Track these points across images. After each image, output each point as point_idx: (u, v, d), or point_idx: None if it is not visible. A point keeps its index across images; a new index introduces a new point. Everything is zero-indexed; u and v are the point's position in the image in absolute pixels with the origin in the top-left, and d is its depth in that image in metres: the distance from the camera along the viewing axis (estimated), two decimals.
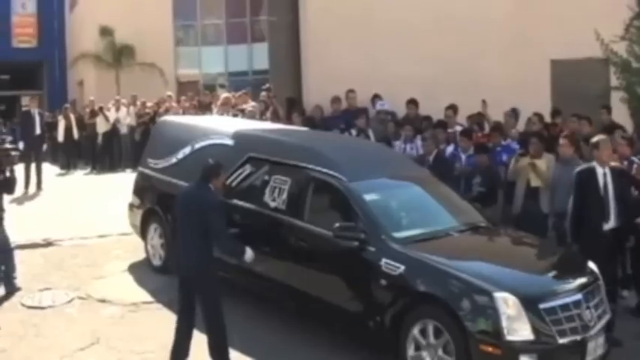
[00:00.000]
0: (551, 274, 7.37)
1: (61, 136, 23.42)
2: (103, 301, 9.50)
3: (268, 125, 11.48)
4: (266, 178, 8.81)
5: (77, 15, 35.09)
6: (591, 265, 7.54)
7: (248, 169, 9.14)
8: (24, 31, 39.95)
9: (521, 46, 14.77)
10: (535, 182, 10.19)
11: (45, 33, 39.84)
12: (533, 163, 10.17)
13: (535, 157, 10.24)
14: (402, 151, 12.22)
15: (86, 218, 13.53)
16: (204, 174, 7.29)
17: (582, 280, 7.08)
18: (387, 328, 6.94)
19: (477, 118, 13.09)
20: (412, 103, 13.68)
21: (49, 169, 22.30)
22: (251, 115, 14.10)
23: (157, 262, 10.53)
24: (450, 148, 11.79)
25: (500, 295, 6.29)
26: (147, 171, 11.17)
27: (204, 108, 17.21)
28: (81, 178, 21.27)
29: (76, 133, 23.11)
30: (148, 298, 9.44)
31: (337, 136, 11.29)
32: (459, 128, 12.51)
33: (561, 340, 6.37)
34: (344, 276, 7.52)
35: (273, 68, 15.98)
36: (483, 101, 13.52)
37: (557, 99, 14.80)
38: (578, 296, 6.73)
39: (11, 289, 9.81)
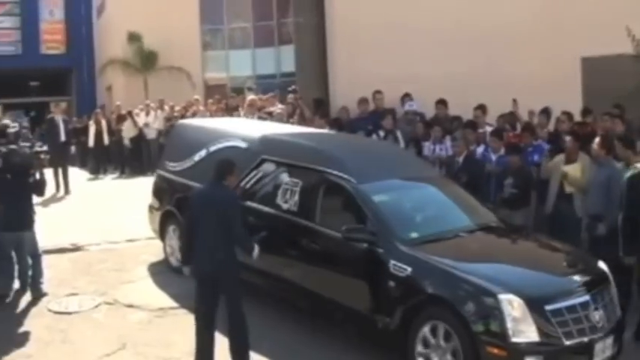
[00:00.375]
0: (559, 274, 7.30)
1: (91, 141, 23.49)
2: (130, 306, 9.47)
3: (283, 127, 11.49)
4: (278, 180, 8.96)
5: (105, 21, 35.27)
6: (602, 265, 7.49)
7: (261, 171, 9.26)
8: (52, 38, 40.28)
9: (551, 44, 14.55)
10: (569, 189, 9.96)
11: (73, 39, 40.13)
12: (565, 173, 9.91)
13: (570, 156, 10.01)
14: (431, 152, 12.07)
15: (114, 222, 13.53)
16: (219, 172, 7.38)
17: (591, 280, 7.04)
18: (396, 328, 6.98)
19: (509, 118, 12.90)
20: (441, 103, 13.52)
21: (79, 174, 22.44)
22: (279, 118, 14.01)
23: (175, 262, 10.56)
24: (480, 149, 11.60)
25: (505, 297, 6.31)
26: (165, 173, 11.40)
27: (231, 111, 17.13)
28: (110, 182, 21.29)
29: (106, 139, 23.16)
30: (175, 303, 9.38)
31: (349, 137, 11.22)
32: (488, 128, 12.32)
33: (567, 342, 6.37)
34: (354, 277, 7.55)
35: (299, 70, 15.88)
36: (514, 100, 13.34)
37: (588, 97, 14.55)
38: (586, 297, 6.71)
39: (37, 295, 9.84)
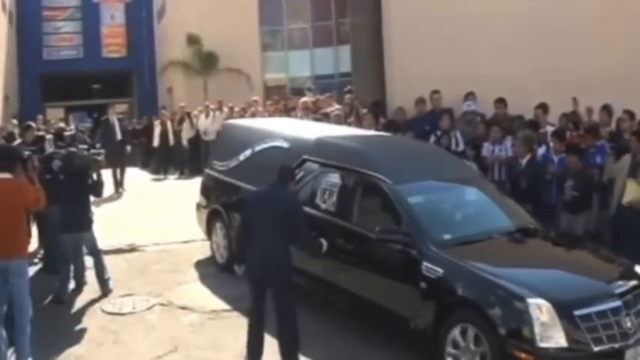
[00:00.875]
0: (592, 279, 7.07)
1: (156, 141, 23.66)
2: (183, 308, 9.43)
3: (327, 128, 11.52)
4: (318, 180, 9.02)
5: (165, 24, 35.66)
6: (639, 270, 7.30)
7: (302, 171, 9.22)
8: (114, 41, 41.02)
9: (613, 43, 14.09)
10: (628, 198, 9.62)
11: (134, 42, 40.79)
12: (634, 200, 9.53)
13: (636, 156, 9.65)
14: (490, 152, 11.78)
15: (171, 223, 13.48)
16: (283, 176, 7.53)
17: (625, 286, 6.86)
18: (427, 330, 6.99)
19: (572, 117, 12.53)
20: (500, 102, 13.20)
21: (140, 175, 22.68)
22: (337, 119, 13.88)
23: (221, 260, 10.85)
24: (541, 150, 11.22)
25: (533, 301, 6.24)
26: (212, 172, 11.59)
27: (290, 112, 17.08)
28: (170, 183, 21.43)
29: (171, 139, 23.30)
30: (229, 305, 9.29)
31: (389, 138, 10.94)
32: (550, 128, 11.96)
33: (597, 348, 6.24)
34: (389, 278, 7.61)
35: (355, 70, 15.68)
36: (574, 99, 12.97)
37: None
38: (618, 303, 6.54)
39: (106, 291, 10.01)
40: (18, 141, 12.84)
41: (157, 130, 23.66)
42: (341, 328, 8.37)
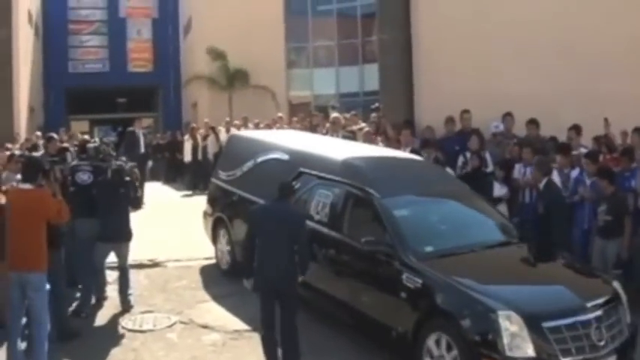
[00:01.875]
0: (564, 292, 7.26)
1: (187, 156, 23.51)
2: (205, 326, 9.27)
3: (323, 141, 11.95)
4: (313, 192, 9.43)
5: (191, 40, 35.72)
6: (615, 284, 7.60)
7: (299, 182, 9.56)
8: (140, 56, 41.19)
9: None
10: None
11: (160, 57, 40.93)
12: None
13: None
14: (521, 175, 11.48)
15: (194, 239, 13.25)
16: (284, 191, 7.84)
17: (598, 299, 7.09)
18: (406, 338, 7.29)
19: (605, 140, 12.23)
20: (532, 123, 12.85)
21: (164, 189, 22.65)
22: (367, 137, 13.67)
23: (224, 266, 11.46)
24: (574, 172, 10.92)
25: (503, 313, 6.54)
26: (217, 182, 12.11)
27: (314, 129, 16.90)
28: (196, 198, 21.21)
29: (200, 154, 23.14)
30: (251, 325, 9.06)
31: (382, 151, 11.19)
32: (583, 150, 11.67)
33: (564, 359, 6.50)
34: (373, 287, 7.99)
35: (383, 88, 15.47)
36: (605, 120, 12.67)
37: None
38: (589, 316, 6.81)
39: (126, 307, 9.92)
40: (40, 152, 12.75)
41: (188, 145, 23.52)
42: (343, 337, 8.55)
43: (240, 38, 27.86)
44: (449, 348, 6.80)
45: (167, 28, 41.26)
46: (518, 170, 11.57)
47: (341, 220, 8.74)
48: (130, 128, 21.24)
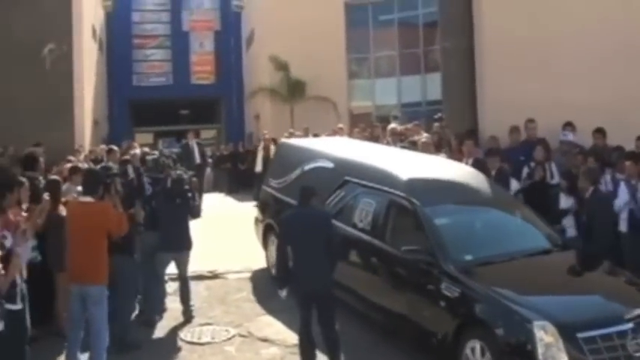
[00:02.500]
0: (602, 302, 7.40)
1: (259, 166, 23.56)
2: (264, 340, 9.20)
3: (368, 149, 12.06)
4: (356, 200, 9.71)
5: (253, 51, 35.87)
6: None
7: (344, 191, 10.04)
8: (202, 69, 41.62)
9: None
10: None
11: (222, 70, 41.32)
12: None
13: None
14: None
15: (254, 250, 13.18)
16: (307, 196, 8.09)
17: (636, 309, 7.01)
18: (445, 344, 7.47)
19: None
20: (599, 132, 12.49)
21: (226, 200, 22.70)
22: (426, 147, 13.47)
23: (275, 272, 11.18)
24: None
25: (538, 323, 6.63)
26: (268, 189, 12.47)
27: (376, 140, 16.73)
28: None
29: (261, 165, 23.17)
30: None
31: (427, 160, 11.17)
32: None
33: None
34: (414, 294, 8.13)
35: (446, 97, 15.22)
36: None
37: None
38: (625, 326, 6.78)
39: (188, 317, 10.00)
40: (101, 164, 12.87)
41: (260, 156, 23.58)
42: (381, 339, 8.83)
43: (301, 50, 27.85)
44: (486, 357, 6.95)
45: (229, 40, 41.58)
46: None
47: (383, 228, 8.94)
48: (184, 140, 21.91)
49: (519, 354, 6.69)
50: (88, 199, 7.81)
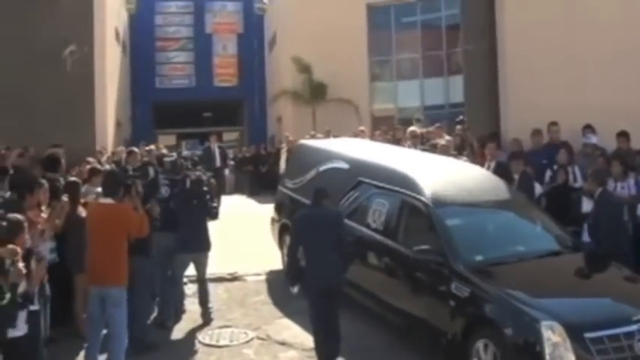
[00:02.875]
0: (610, 303, 7.54)
1: (282, 168, 23.60)
2: (282, 343, 9.15)
3: (383, 151, 12.24)
4: (370, 200, 9.87)
5: (276, 54, 35.90)
6: None
7: (358, 191, 10.22)
8: (225, 71, 41.70)
9: None
10: None
11: (245, 72, 41.37)
12: None
13: None
14: (612, 190, 11.02)
15: (275, 252, 13.16)
16: (318, 197, 8.41)
17: None
18: (455, 343, 7.59)
19: None
20: (623, 135, 12.33)
21: (248, 202, 22.70)
22: (444, 150, 13.39)
23: (286, 269, 10.95)
24: None
25: (546, 323, 6.72)
26: (284, 189, 12.63)
27: (398, 142, 16.65)
28: None
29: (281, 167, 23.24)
30: None
31: (441, 161, 11.25)
32: None
33: None
34: (425, 294, 8.28)
35: (468, 99, 15.11)
36: None
37: None
38: (632, 327, 6.85)
39: (207, 319, 10.00)
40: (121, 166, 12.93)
41: (284, 158, 23.57)
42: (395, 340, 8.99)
43: (323, 52, 27.84)
44: (494, 356, 7.05)
45: (252, 42, 41.63)
46: (609, 186, 11.09)
47: (396, 228, 9.12)
48: (207, 143, 22.80)
49: (527, 353, 6.79)
50: (109, 200, 7.80)
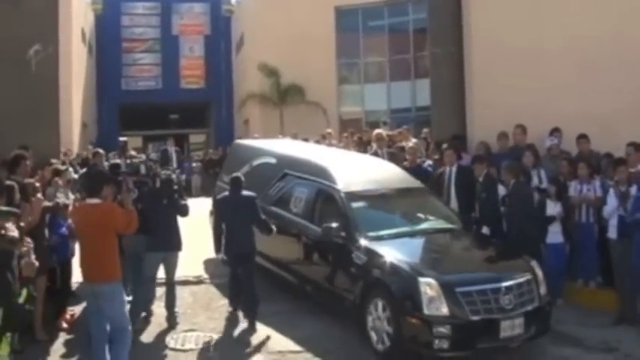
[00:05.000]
0: (481, 265, 9.30)
1: None
2: (248, 346, 9.08)
3: (306, 148, 14.31)
4: (293, 189, 11.49)
5: (243, 56, 35.88)
6: (533, 263, 9.16)
7: (283, 182, 11.80)
8: (192, 73, 41.59)
9: None
10: None
11: (212, 74, 41.28)
12: None
13: None
14: (577, 192, 11.10)
15: None
16: (235, 184, 10.39)
17: (511, 273, 8.70)
18: (356, 305, 9.07)
19: None
20: (583, 138, 12.37)
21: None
22: (412, 152, 13.48)
23: (213, 240, 12.03)
24: (633, 189, 10.47)
25: (423, 280, 8.24)
26: (221, 184, 13.49)
27: (365, 145, 16.69)
28: None
29: None
30: (297, 346, 8.95)
31: (353, 156, 13.77)
32: None
33: (473, 317, 8.12)
34: (333, 265, 9.96)
35: (434, 103, 15.14)
36: None
37: None
38: (499, 285, 8.35)
39: (173, 323, 9.96)
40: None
41: None
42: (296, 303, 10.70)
43: (291, 55, 27.87)
44: (384, 310, 8.54)
45: (219, 44, 41.56)
46: (574, 188, 11.19)
47: (312, 211, 10.70)
48: (163, 146, 24.11)
49: (409, 306, 8.22)
50: (94, 200, 7.75)
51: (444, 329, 8.00)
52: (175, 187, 10.60)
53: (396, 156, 13.92)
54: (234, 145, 15.95)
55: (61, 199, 10.31)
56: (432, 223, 10.47)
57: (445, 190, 12.07)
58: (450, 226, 10.41)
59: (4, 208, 7.18)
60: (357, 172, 11.26)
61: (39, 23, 13.48)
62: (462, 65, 14.40)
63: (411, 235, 9.93)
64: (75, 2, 28.53)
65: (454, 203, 11.82)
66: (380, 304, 8.59)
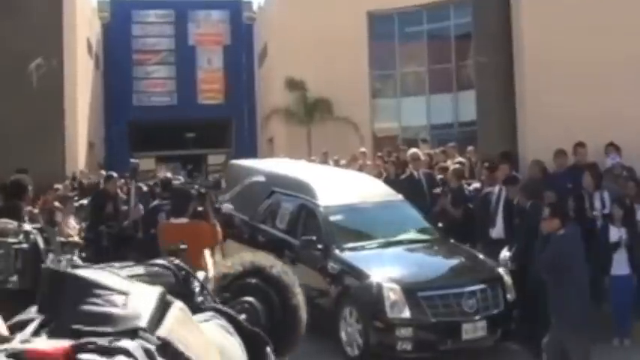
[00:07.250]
0: (446, 272, 10.81)
1: None
2: None
3: (294, 166, 15.51)
4: (280, 206, 12.73)
5: (267, 68, 35.92)
6: (500, 270, 10.17)
7: (271, 199, 13.03)
8: (210, 87, 41.54)
9: None
10: None
11: (233, 88, 41.12)
12: None
13: None
14: None
15: None
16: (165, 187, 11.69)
17: (475, 279, 9.96)
18: (330, 313, 10.04)
19: None
20: None
21: None
22: (456, 174, 13.32)
23: None
24: None
25: (387, 285, 9.50)
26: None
27: (403, 166, 16.52)
28: None
29: None
30: None
31: (335, 172, 15.49)
32: None
33: (434, 320, 9.33)
34: (312, 276, 10.54)
35: (480, 117, 14.99)
36: None
37: None
38: (461, 290, 9.62)
39: None
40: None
41: None
42: None
43: (319, 65, 27.84)
44: (353, 316, 9.78)
45: (240, 55, 41.53)
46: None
47: (295, 226, 11.89)
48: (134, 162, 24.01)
49: (375, 311, 9.45)
50: (183, 220, 8.56)
51: (406, 332, 9.35)
52: None
53: (432, 178, 13.82)
54: (229, 166, 18.19)
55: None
56: (408, 235, 11.67)
57: (491, 213, 11.87)
58: (425, 237, 11.70)
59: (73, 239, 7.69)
60: (338, 187, 12.68)
61: (40, 34, 13.56)
62: (511, 75, 14.26)
63: (387, 245, 11.12)
64: (79, 10, 28.71)
65: (499, 229, 11.63)
66: (350, 311, 9.89)
